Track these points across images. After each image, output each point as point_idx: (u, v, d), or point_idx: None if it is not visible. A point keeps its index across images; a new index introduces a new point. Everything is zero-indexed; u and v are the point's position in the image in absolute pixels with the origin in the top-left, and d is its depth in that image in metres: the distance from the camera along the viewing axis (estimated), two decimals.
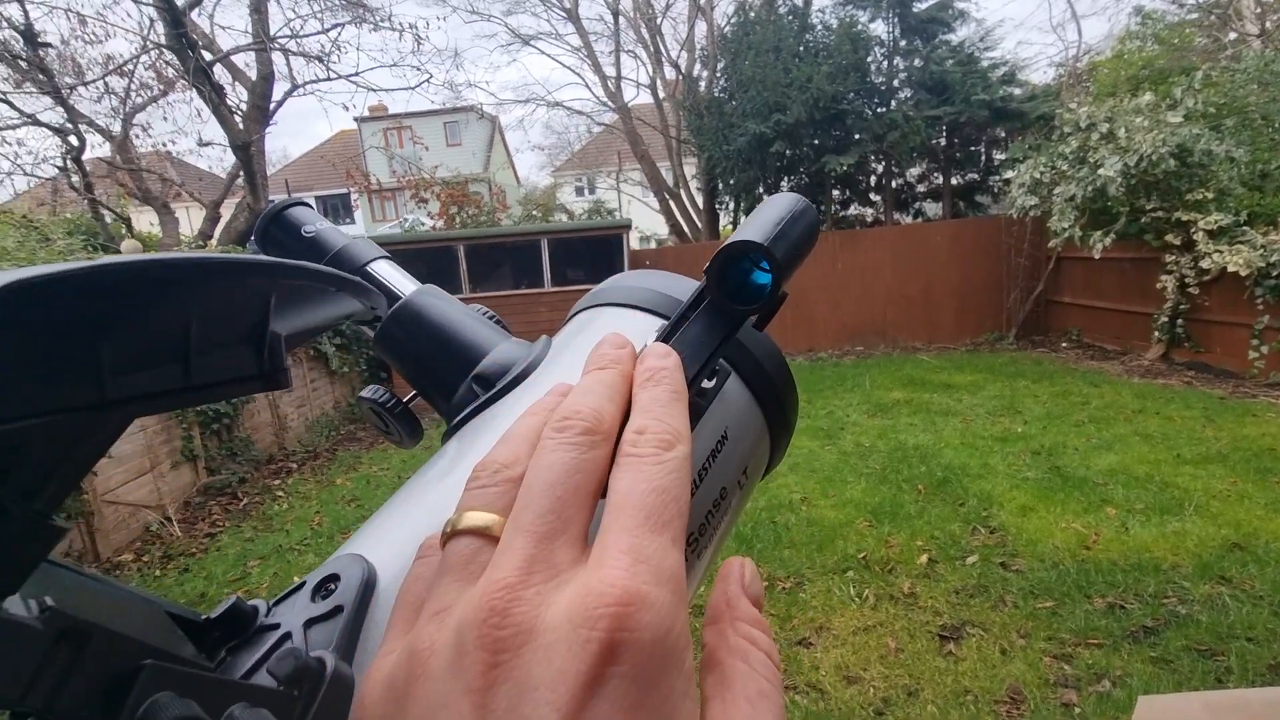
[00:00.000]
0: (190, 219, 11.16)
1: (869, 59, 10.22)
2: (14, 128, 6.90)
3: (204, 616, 0.23)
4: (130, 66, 7.32)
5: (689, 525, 0.30)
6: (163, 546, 4.29)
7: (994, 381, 6.71)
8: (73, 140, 6.73)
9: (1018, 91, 10.14)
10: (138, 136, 7.83)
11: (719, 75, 11.50)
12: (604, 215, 13.55)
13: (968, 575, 3.14)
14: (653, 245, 13.86)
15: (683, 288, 0.36)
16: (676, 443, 0.21)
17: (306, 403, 6.62)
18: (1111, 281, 7.44)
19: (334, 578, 0.25)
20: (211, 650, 0.23)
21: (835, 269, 9.01)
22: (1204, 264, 6.03)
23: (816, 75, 9.49)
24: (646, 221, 15.80)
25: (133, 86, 7.49)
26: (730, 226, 13.12)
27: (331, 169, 15.62)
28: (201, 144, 8.07)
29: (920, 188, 11.71)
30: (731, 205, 12.30)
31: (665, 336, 0.27)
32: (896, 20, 10.22)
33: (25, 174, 7.35)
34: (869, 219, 11.84)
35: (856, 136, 10.15)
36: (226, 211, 7.66)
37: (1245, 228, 5.90)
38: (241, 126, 6.56)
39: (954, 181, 11.17)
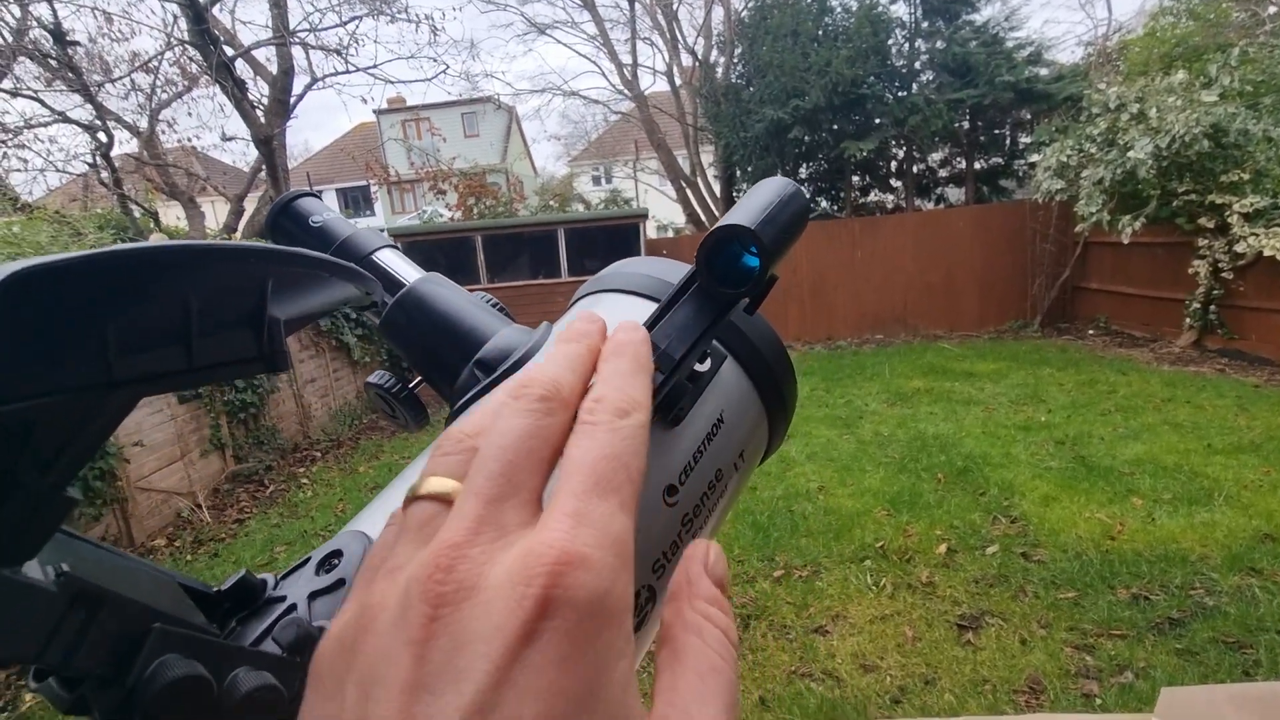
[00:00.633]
0: (216, 213, 11.36)
1: (890, 41, 10.02)
2: (45, 125, 7.07)
3: (214, 588, 0.25)
4: (155, 63, 7.46)
5: (691, 503, 0.31)
6: (193, 532, 4.41)
7: (1017, 370, 6.60)
8: (101, 137, 6.88)
9: (1044, 72, 9.87)
10: (164, 132, 7.98)
11: (736, 61, 11.37)
12: (620, 205, 13.52)
13: (987, 565, 3.11)
14: (670, 234, 13.79)
15: (681, 273, 0.36)
16: (632, 411, 0.22)
17: (330, 392, 6.74)
18: (1141, 267, 7.26)
19: (337, 553, 0.26)
20: (222, 620, 0.24)
21: (855, 256, 8.90)
22: (1239, 248, 5.85)
23: (836, 59, 9.33)
24: (664, 210, 15.73)
25: (158, 83, 7.63)
26: None
27: (351, 162, 15.78)
28: (225, 139, 8.21)
29: (942, 173, 11.50)
30: None
31: (654, 320, 0.28)
32: (918, 1, 10.00)
33: (57, 170, 7.54)
34: (890, 205, 11.67)
35: (877, 121, 9.98)
36: (251, 205, 7.79)
37: None
38: (263, 120, 6.66)
39: (977, 166, 10.95)
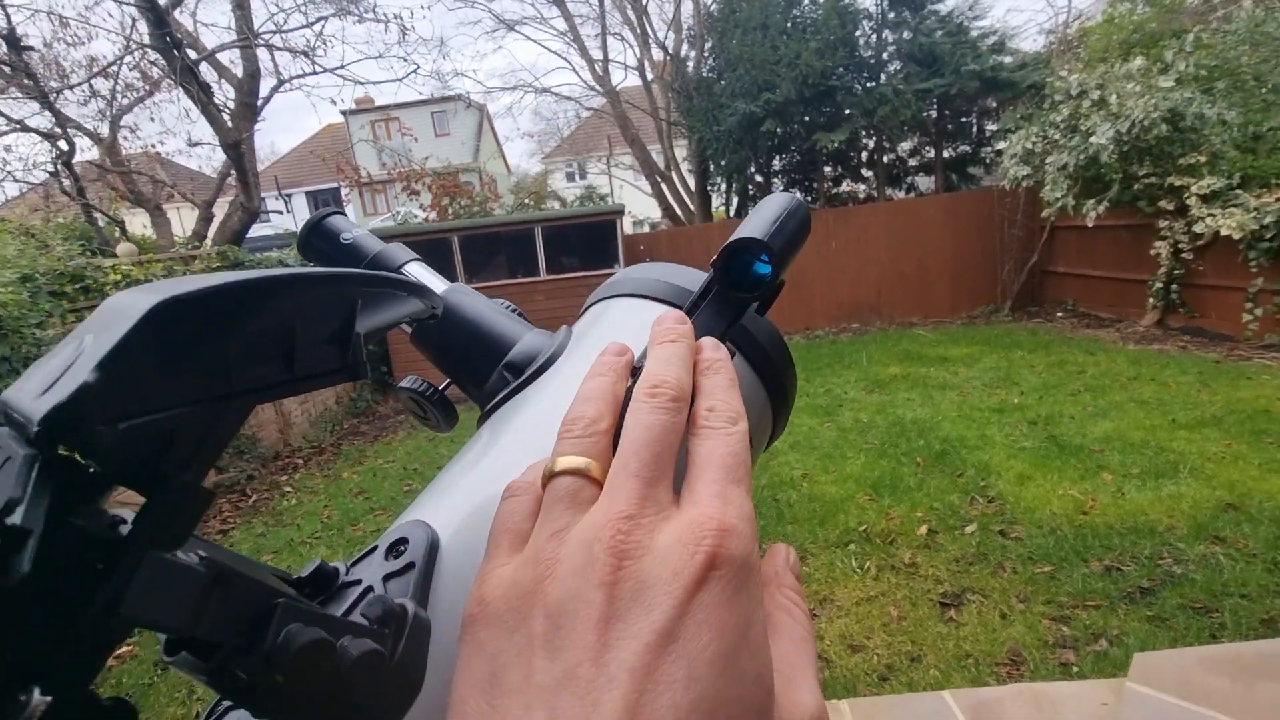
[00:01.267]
0: (183, 219, 11.13)
1: (857, 33, 10.14)
2: (2, 134, 6.87)
3: (296, 575, 0.28)
4: (115, 68, 7.27)
5: None
6: None
7: (990, 353, 6.76)
8: (62, 145, 6.70)
9: (1008, 60, 10.07)
10: (126, 138, 7.80)
11: (707, 55, 11.41)
12: (596, 201, 13.50)
13: (967, 544, 3.21)
14: (646, 229, 13.83)
15: (689, 278, 0.40)
16: (739, 419, 0.27)
17: (309, 399, 6.66)
18: (1105, 249, 7.47)
19: (403, 540, 0.30)
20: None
21: (830, 247, 9.02)
22: (1197, 228, 6.05)
23: (805, 52, 9.42)
24: (639, 205, 15.76)
25: (118, 88, 7.44)
26: (722, 209, 13.09)
27: (321, 164, 15.55)
28: (191, 144, 8.05)
29: (912, 162, 11.68)
30: (724, 186, 12.27)
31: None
32: None
33: (15, 180, 7.33)
34: (861, 195, 11.83)
35: (847, 112, 10.10)
36: (220, 210, 7.65)
37: (1238, 191, 5.92)
38: (230, 125, 6.54)
39: (946, 154, 11.15)
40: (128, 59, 7.24)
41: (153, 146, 8.29)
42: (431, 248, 7.95)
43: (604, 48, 12.94)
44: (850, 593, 2.94)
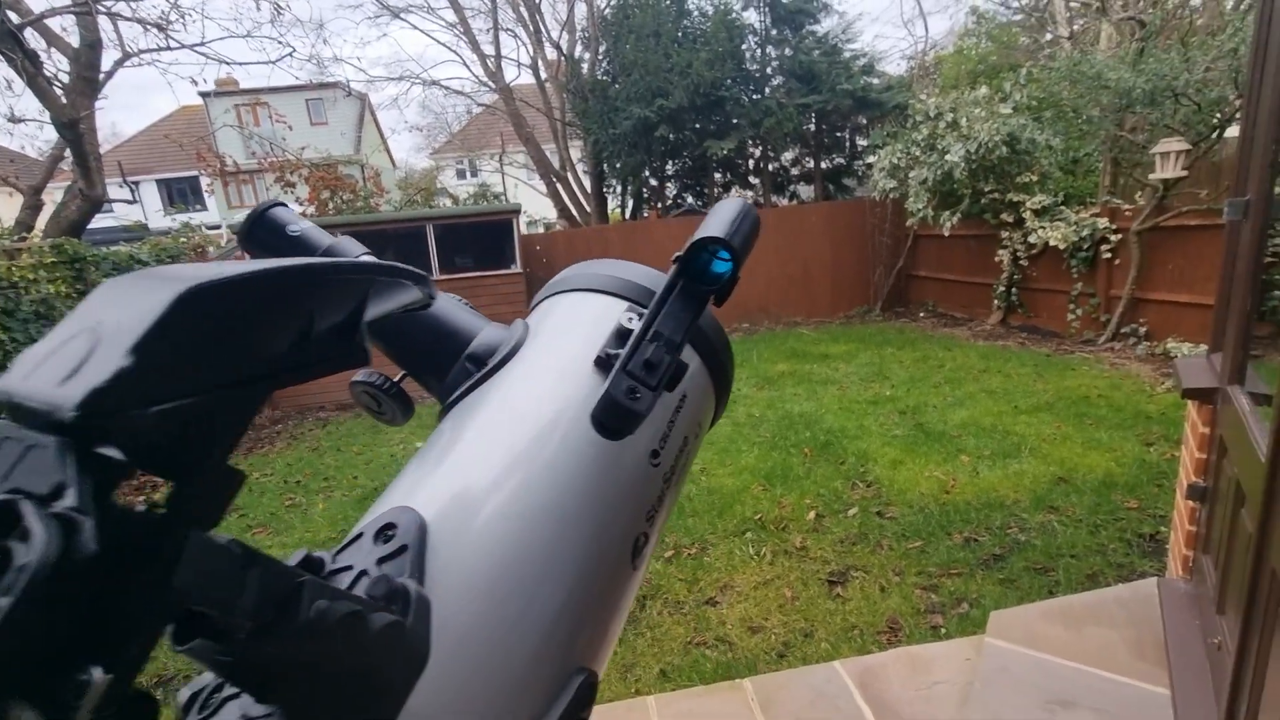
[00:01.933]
0: (3, 207, 9.63)
1: (744, 47, 10.63)
2: None
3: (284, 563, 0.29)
4: None
5: (669, 464, 0.38)
6: None
7: (865, 350, 7.33)
8: None
9: (876, 82, 10.97)
10: None
11: (601, 58, 11.50)
12: (491, 200, 13.19)
13: (850, 526, 3.48)
14: (541, 229, 13.67)
15: (635, 273, 0.44)
16: None
17: None
18: (959, 256, 8.33)
19: (391, 525, 0.31)
20: None
21: None
22: (1031, 239, 6.91)
23: (696, 61, 9.75)
24: (534, 205, 15.55)
25: None
26: (618, 210, 13.23)
27: (179, 150, 14.00)
28: (13, 120, 6.98)
29: (794, 171, 12.41)
30: (619, 189, 12.41)
31: (653, 315, 0.35)
32: (768, 9, 10.70)
33: None
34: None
35: (735, 122, 10.56)
36: (51, 197, 6.71)
37: (1062, 207, 6.83)
38: (65, 101, 5.76)
39: (824, 165, 11.94)
40: None
41: None
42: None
43: (496, 43, 12.69)
44: (749, 578, 3.10)
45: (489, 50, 12.77)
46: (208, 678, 0.28)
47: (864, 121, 11.23)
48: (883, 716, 2.08)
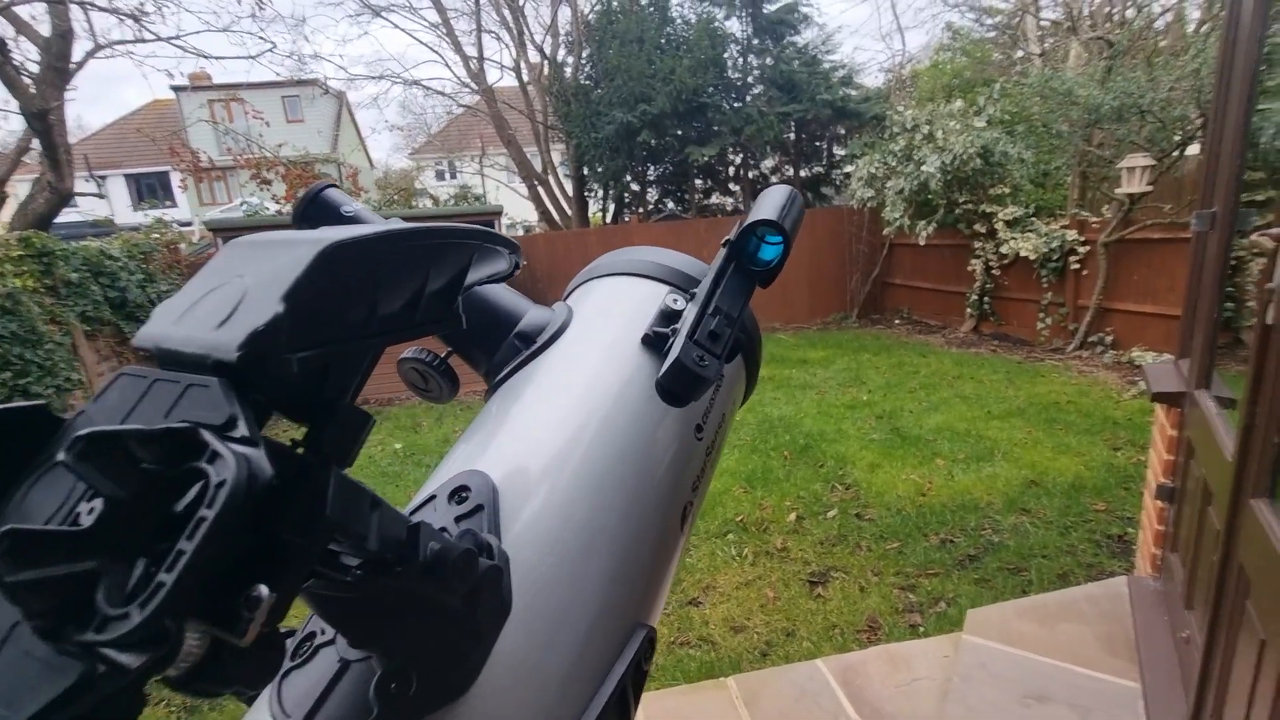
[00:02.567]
0: None
1: (726, 55, 10.76)
2: None
3: None
4: None
5: (710, 438, 0.40)
6: None
7: (842, 356, 7.44)
8: None
9: (854, 93, 11.17)
10: None
11: (584, 62, 11.53)
12: (471, 201, 13.11)
13: (829, 527, 3.54)
14: (520, 232, 13.62)
15: (672, 259, 0.46)
16: None
17: None
18: (934, 265, 8.50)
19: (464, 488, 0.33)
20: None
21: (703, 256, 9.41)
22: (1003, 249, 7.10)
23: (679, 68, 9.84)
24: (514, 208, 15.48)
25: None
26: (599, 214, 13.25)
27: (147, 144, 13.65)
28: None
29: (774, 179, 12.55)
30: (600, 193, 12.43)
31: (712, 291, 0.37)
32: (749, 19, 10.84)
33: None
34: (729, 208, 12.52)
35: (716, 129, 10.67)
36: (14, 189, 6.50)
37: (1033, 219, 7.03)
38: (34, 91, 5.60)
39: (803, 174, 12.11)
40: None
41: None
42: None
43: (479, 45, 12.65)
44: (730, 579, 3.13)
45: (471, 52, 12.73)
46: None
47: (842, 131, 11.42)
48: (864, 712, 2.12)
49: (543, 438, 0.36)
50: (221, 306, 0.21)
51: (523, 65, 12.59)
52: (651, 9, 10.66)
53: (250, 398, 0.20)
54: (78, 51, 6.56)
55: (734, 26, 10.94)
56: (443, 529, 0.31)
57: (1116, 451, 4.17)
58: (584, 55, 11.37)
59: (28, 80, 5.65)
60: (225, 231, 7.15)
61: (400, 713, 0.25)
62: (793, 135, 11.46)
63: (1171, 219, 5.71)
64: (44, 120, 5.48)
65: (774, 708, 2.20)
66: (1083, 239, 6.48)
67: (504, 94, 13.48)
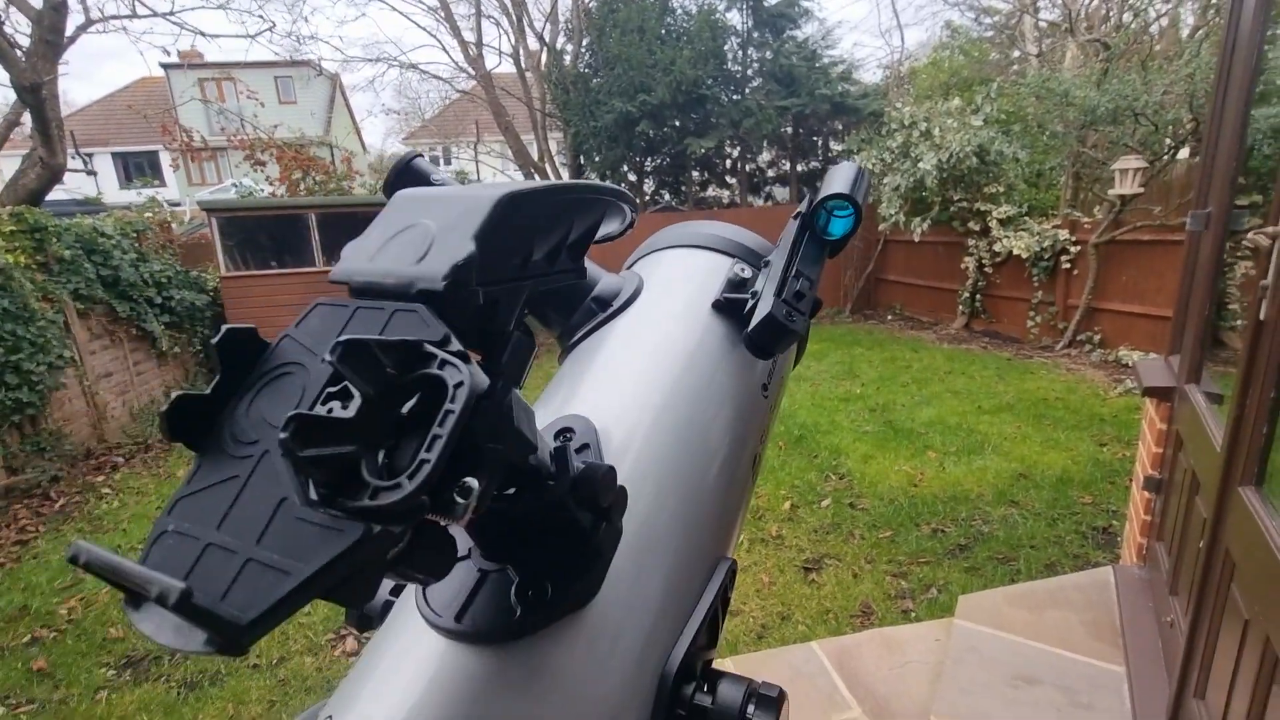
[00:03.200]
0: None
1: (726, 47, 10.74)
2: None
3: None
4: None
5: (773, 396, 0.44)
6: None
7: (835, 350, 7.51)
8: None
9: (853, 88, 11.20)
10: None
11: (584, 50, 11.47)
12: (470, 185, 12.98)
13: (824, 516, 3.60)
14: None
15: (734, 233, 0.49)
16: None
17: (130, 388, 5.83)
18: (927, 262, 8.58)
19: (569, 429, 0.36)
20: None
21: None
22: (996, 247, 7.18)
23: (679, 59, 9.81)
24: None
25: None
26: None
27: (135, 122, 13.45)
28: None
29: (770, 173, 12.58)
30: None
31: (793, 256, 0.40)
32: (750, 12, 10.82)
33: None
34: (725, 201, 12.54)
35: (715, 121, 10.67)
36: (2, 164, 6.40)
37: (1026, 218, 7.11)
38: (25, 64, 5.51)
39: (799, 169, 12.14)
40: None
41: None
42: (284, 225, 7.27)
43: (478, 29, 12.52)
44: None
45: (470, 36, 12.61)
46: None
47: (840, 127, 11.45)
48: (859, 693, 2.18)
49: (630, 389, 0.39)
50: (414, 247, 0.24)
51: (521, 51, 12.50)
52: None
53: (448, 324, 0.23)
54: (70, 25, 6.45)
55: (734, 19, 10.92)
56: None
57: (1103, 447, 4.26)
58: (584, 43, 11.31)
59: (19, 53, 5.56)
60: (219, 212, 7.08)
61: (539, 614, 0.28)
62: (790, 129, 11.48)
63: (1161, 221, 5.81)
64: (36, 94, 5.40)
65: None
66: (1074, 239, 6.57)
67: (502, 80, 13.39)
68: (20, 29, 6.01)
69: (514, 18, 12.19)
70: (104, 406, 5.36)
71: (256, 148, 8.73)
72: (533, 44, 12.38)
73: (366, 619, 0.36)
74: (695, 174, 12.02)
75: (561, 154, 12.66)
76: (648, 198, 12.28)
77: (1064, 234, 6.63)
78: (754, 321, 0.36)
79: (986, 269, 7.52)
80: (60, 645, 2.89)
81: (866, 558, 3.17)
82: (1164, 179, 6.43)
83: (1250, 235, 1.31)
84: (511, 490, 0.27)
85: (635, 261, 0.52)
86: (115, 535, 3.91)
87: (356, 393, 0.20)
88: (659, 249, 0.51)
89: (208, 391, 0.23)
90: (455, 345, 0.22)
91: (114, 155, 21.36)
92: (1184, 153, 6.15)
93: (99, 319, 5.46)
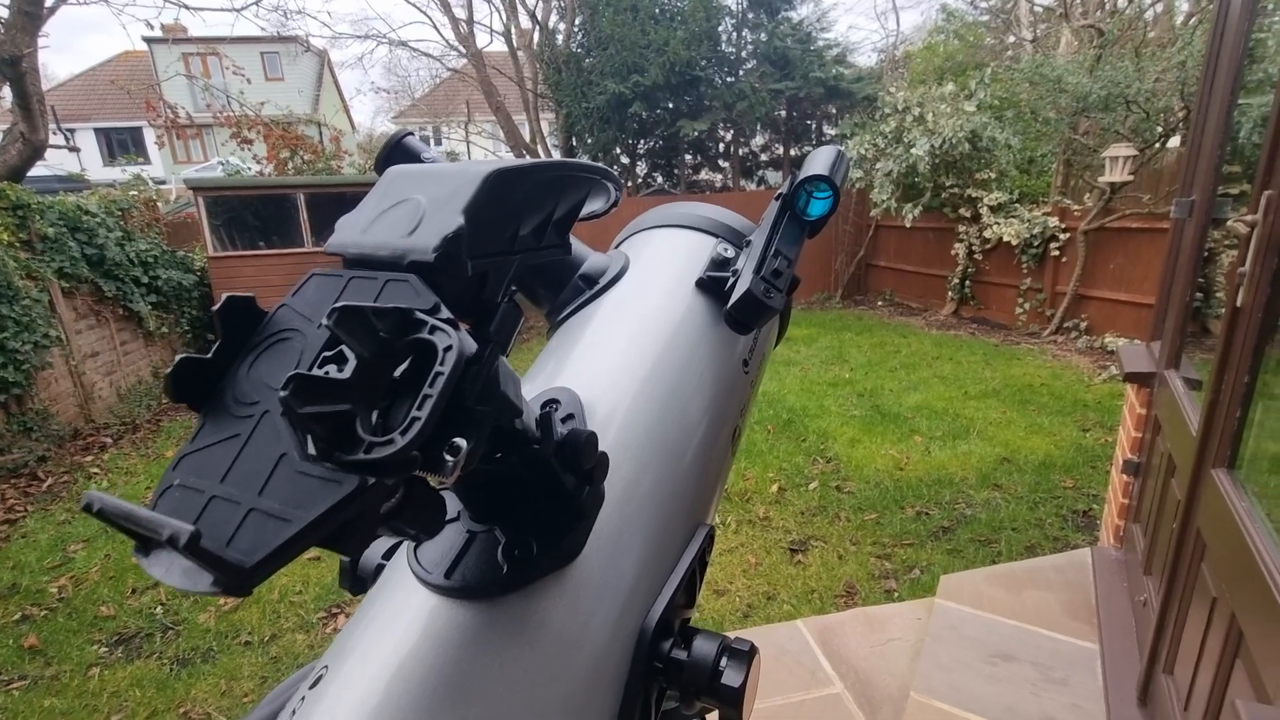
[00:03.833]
0: None
1: (720, 29, 10.63)
2: None
3: None
4: None
5: (754, 372, 0.46)
6: None
7: (825, 335, 7.56)
8: None
9: (847, 72, 11.14)
10: None
11: (577, 30, 11.32)
12: None
13: (810, 498, 3.65)
14: None
15: (718, 213, 0.51)
16: None
17: (117, 369, 5.78)
18: (918, 248, 8.62)
19: (554, 400, 0.37)
20: None
21: None
22: (986, 234, 7.21)
23: (673, 39, 9.72)
24: None
25: None
26: None
27: (118, 97, 13.16)
28: None
29: (763, 157, 12.54)
30: None
31: (772, 235, 0.41)
32: None
33: None
34: (718, 184, 12.49)
35: (708, 103, 10.59)
36: None
37: (1017, 205, 7.14)
38: (4, 35, 5.37)
39: (792, 153, 12.10)
40: None
41: None
42: (271, 205, 7.18)
43: (469, 7, 12.34)
44: (714, 545, 3.22)
45: (461, 14, 12.39)
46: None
47: (833, 111, 11.41)
48: (842, 670, 2.23)
49: (615, 362, 0.41)
50: (405, 220, 0.26)
51: (513, 30, 12.32)
52: None
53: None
54: None
55: (729, 0, 10.81)
56: None
57: (1086, 432, 4.33)
58: (576, 22, 11.16)
59: None
60: (206, 191, 6.99)
61: (524, 570, 0.30)
62: (784, 113, 11.42)
63: (1150, 209, 5.85)
64: (16, 67, 5.28)
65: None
66: (1064, 226, 6.61)
67: (493, 59, 13.19)
68: None
69: None
70: (91, 386, 5.32)
71: (243, 125, 8.59)
72: (525, 22, 12.20)
73: (360, 581, 0.37)
74: (688, 157, 11.96)
75: (554, 135, 12.54)
76: (640, 180, 12.21)
77: (1054, 221, 6.67)
78: (733, 298, 0.38)
79: (976, 255, 7.56)
80: (51, 623, 2.90)
81: (851, 539, 3.23)
82: (1154, 167, 6.47)
83: (1230, 223, 1.33)
84: (499, 455, 0.28)
85: (623, 241, 0.53)
86: None
87: (352, 356, 0.22)
88: (645, 228, 0.52)
89: (210, 355, 0.24)
90: (445, 313, 0.23)
91: (96, 131, 20.93)
92: (1174, 141, 6.19)
93: (84, 298, 5.40)
